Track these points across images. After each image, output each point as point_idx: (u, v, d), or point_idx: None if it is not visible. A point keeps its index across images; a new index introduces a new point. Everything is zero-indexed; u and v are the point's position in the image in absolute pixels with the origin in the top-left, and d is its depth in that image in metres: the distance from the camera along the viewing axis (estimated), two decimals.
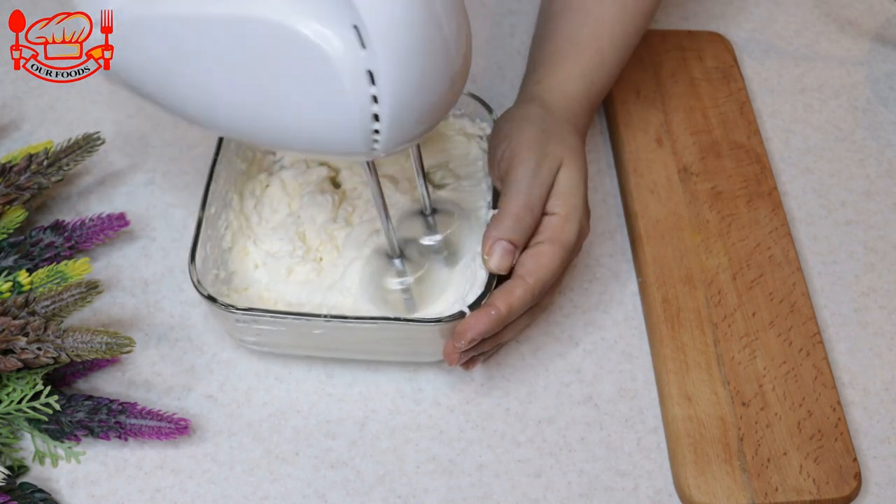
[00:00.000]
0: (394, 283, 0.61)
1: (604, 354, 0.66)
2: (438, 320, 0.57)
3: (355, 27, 0.44)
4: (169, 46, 0.49)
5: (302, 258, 0.65)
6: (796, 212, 0.74)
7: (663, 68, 0.79)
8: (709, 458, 0.60)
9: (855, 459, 0.60)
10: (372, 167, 0.54)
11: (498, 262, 0.58)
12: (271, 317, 0.58)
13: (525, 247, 0.59)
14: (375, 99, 0.46)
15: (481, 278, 0.59)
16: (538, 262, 0.58)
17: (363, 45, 0.44)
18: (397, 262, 0.61)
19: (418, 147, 0.58)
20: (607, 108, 0.78)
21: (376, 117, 0.46)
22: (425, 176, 0.60)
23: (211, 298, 0.57)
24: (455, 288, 0.62)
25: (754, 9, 0.87)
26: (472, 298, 0.58)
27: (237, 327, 0.59)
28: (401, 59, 0.45)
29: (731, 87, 0.79)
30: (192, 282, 0.58)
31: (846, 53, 0.84)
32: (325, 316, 0.57)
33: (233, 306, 0.57)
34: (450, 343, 0.57)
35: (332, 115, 0.47)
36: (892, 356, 0.67)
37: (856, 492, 0.60)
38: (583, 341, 0.66)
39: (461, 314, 0.57)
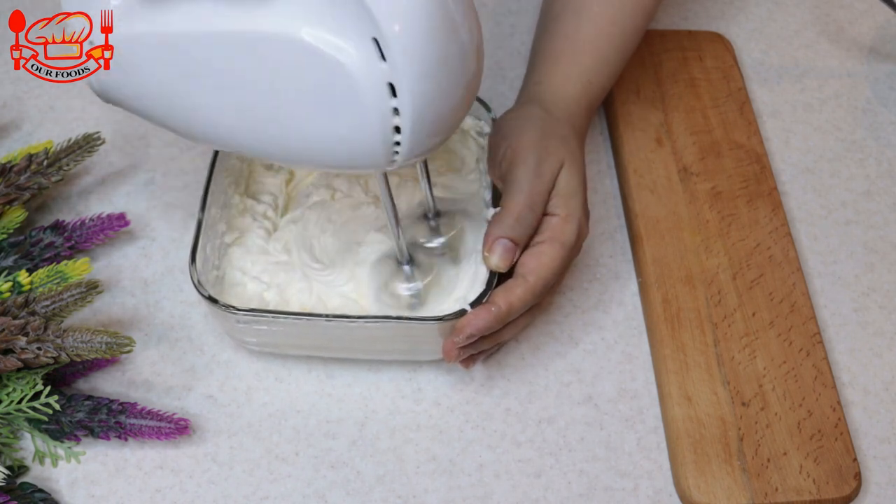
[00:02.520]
0: (403, 289, 0.61)
1: (604, 354, 0.66)
2: (440, 318, 0.57)
3: (374, 40, 0.44)
4: (174, 64, 0.48)
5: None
6: (796, 212, 0.74)
7: (663, 68, 0.79)
8: (709, 458, 0.60)
9: (855, 459, 0.60)
10: (384, 177, 0.54)
11: (498, 260, 0.58)
12: (272, 317, 0.58)
13: (526, 246, 0.59)
14: (397, 111, 0.45)
15: (482, 276, 0.59)
16: (539, 262, 0.58)
17: (383, 58, 0.44)
18: (406, 268, 0.61)
19: None
20: (607, 108, 0.78)
21: (398, 129, 0.46)
22: (430, 180, 0.60)
23: (212, 299, 0.57)
24: (460, 286, 0.62)
25: (754, 9, 0.87)
26: (473, 296, 0.58)
27: (238, 328, 0.59)
28: (421, 69, 0.45)
29: (731, 87, 0.79)
30: (193, 283, 0.58)
31: (846, 53, 0.84)
32: (327, 315, 0.58)
33: (233, 307, 0.57)
34: (449, 339, 0.57)
35: (352, 130, 0.46)
36: (892, 356, 0.67)
37: (856, 492, 0.60)
38: (583, 341, 0.66)
39: (462, 312, 0.57)
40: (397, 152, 0.48)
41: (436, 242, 0.63)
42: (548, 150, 0.60)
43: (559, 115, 0.64)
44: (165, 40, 0.48)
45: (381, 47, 0.44)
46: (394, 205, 0.56)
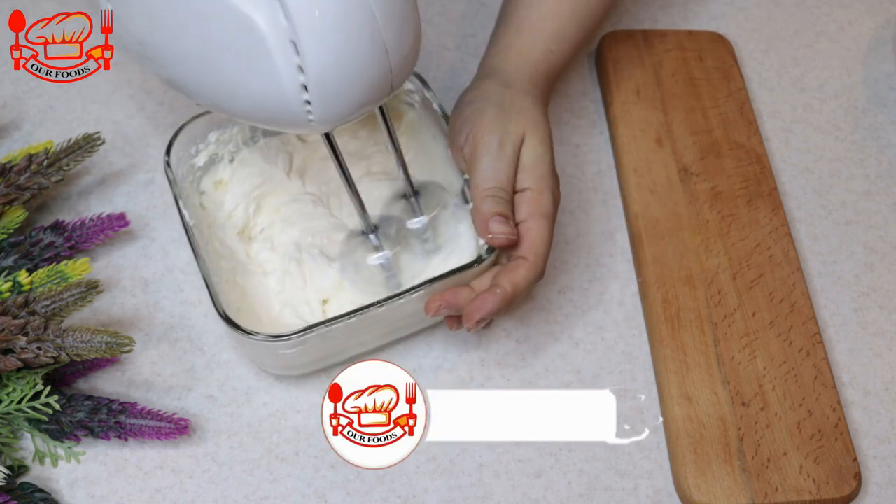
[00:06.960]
0: (372, 259, 0.62)
1: (604, 354, 0.66)
2: (464, 267, 0.58)
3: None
4: (142, 4, 0.52)
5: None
6: (796, 212, 0.74)
7: (663, 68, 0.79)
8: (709, 458, 0.60)
9: (855, 459, 0.60)
10: (328, 139, 0.55)
11: (500, 235, 0.58)
12: (325, 328, 0.56)
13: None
14: (301, 69, 0.48)
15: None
16: (530, 239, 0.59)
17: (286, 17, 0.47)
18: (373, 237, 0.61)
19: (390, 125, 0.58)
20: (607, 108, 0.78)
21: (305, 87, 0.49)
22: (403, 157, 0.61)
23: (234, 325, 0.56)
24: (442, 252, 0.63)
25: (754, 9, 0.87)
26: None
27: (281, 355, 0.58)
28: (321, 30, 0.47)
29: (731, 87, 0.79)
30: (219, 313, 0.56)
31: (846, 53, 0.84)
32: (378, 303, 0.57)
33: (257, 333, 0.56)
34: (436, 297, 0.59)
35: (265, 84, 0.49)
36: (892, 356, 0.67)
37: (856, 492, 0.60)
38: (583, 341, 0.66)
39: (481, 259, 0.58)
40: (310, 111, 0.50)
41: (418, 222, 0.63)
42: (508, 128, 0.60)
43: (519, 84, 0.64)
44: None
45: (283, 6, 0.47)
46: (346, 168, 0.56)
